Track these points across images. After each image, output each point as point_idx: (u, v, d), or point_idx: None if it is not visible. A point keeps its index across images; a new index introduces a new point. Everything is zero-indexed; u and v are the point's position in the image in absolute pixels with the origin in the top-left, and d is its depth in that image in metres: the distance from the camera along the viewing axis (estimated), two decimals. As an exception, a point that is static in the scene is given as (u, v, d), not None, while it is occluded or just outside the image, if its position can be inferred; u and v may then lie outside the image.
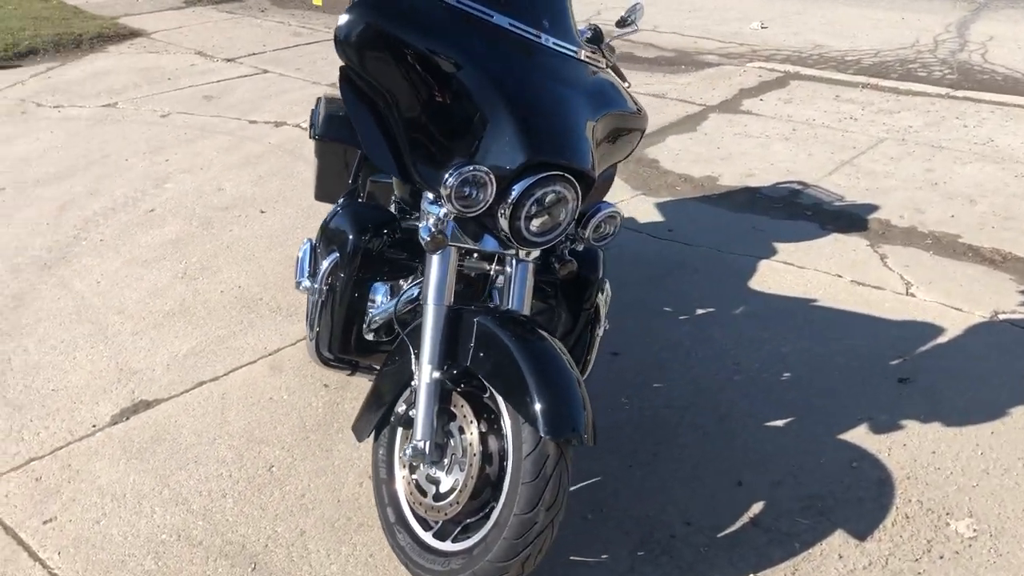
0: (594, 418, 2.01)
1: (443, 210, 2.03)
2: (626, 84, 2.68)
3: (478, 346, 2.08)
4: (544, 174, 2.04)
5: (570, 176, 2.08)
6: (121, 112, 6.06)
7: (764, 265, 3.89)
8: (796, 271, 3.84)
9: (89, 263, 3.93)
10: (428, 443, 2.09)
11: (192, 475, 2.62)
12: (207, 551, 2.34)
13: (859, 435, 2.77)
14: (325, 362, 2.44)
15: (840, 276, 3.80)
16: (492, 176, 2.00)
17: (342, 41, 2.02)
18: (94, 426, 2.85)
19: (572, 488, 2.41)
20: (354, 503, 2.50)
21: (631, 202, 4.61)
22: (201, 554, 2.33)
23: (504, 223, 2.06)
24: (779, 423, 2.83)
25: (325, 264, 2.32)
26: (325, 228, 2.37)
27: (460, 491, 2.10)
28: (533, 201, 2.06)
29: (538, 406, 1.93)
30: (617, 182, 4.72)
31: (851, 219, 4.39)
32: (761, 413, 2.87)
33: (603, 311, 2.48)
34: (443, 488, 2.15)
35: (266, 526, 2.42)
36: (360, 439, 2.35)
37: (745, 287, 3.70)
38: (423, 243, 2.06)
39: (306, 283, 2.38)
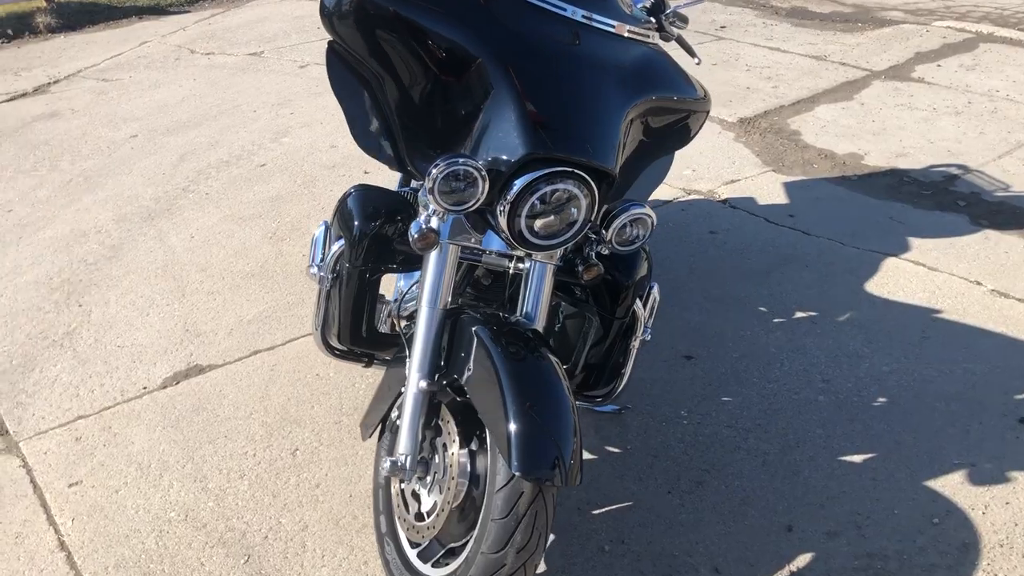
0: (580, 457, 1.75)
1: (433, 205, 1.82)
2: (695, 60, 2.35)
3: (472, 358, 1.86)
4: (548, 170, 1.77)
5: (583, 173, 1.80)
6: (264, 61, 6.16)
7: (889, 264, 3.42)
8: (926, 273, 3.35)
9: (189, 216, 3.99)
10: (408, 458, 1.91)
11: (219, 451, 2.57)
12: (208, 536, 2.28)
13: (951, 484, 2.36)
14: (333, 353, 2.30)
15: (979, 283, 3.28)
16: (484, 171, 1.76)
17: (329, 12, 1.83)
18: (144, 388, 2.87)
19: (599, 510, 2.21)
20: (364, 501, 2.37)
21: (757, 179, 4.19)
22: (201, 538, 2.28)
23: (503, 221, 1.81)
24: (855, 459, 2.45)
25: (333, 249, 2.17)
26: (337, 210, 2.21)
27: (438, 514, 1.92)
28: (536, 199, 1.79)
29: (513, 438, 1.70)
30: (745, 155, 4.33)
31: (1012, 214, 3.80)
32: (837, 445, 2.50)
33: (643, 319, 2.19)
34: (424, 507, 1.98)
35: (272, 515, 2.34)
36: (364, 437, 2.20)
37: (859, 290, 3.26)
38: (411, 240, 1.85)
39: (314, 269, 2.23)
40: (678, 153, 2.30)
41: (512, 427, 1.70)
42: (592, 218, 1.89)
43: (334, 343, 2.28)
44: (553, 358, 1.87)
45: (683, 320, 3.09)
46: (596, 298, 2.18)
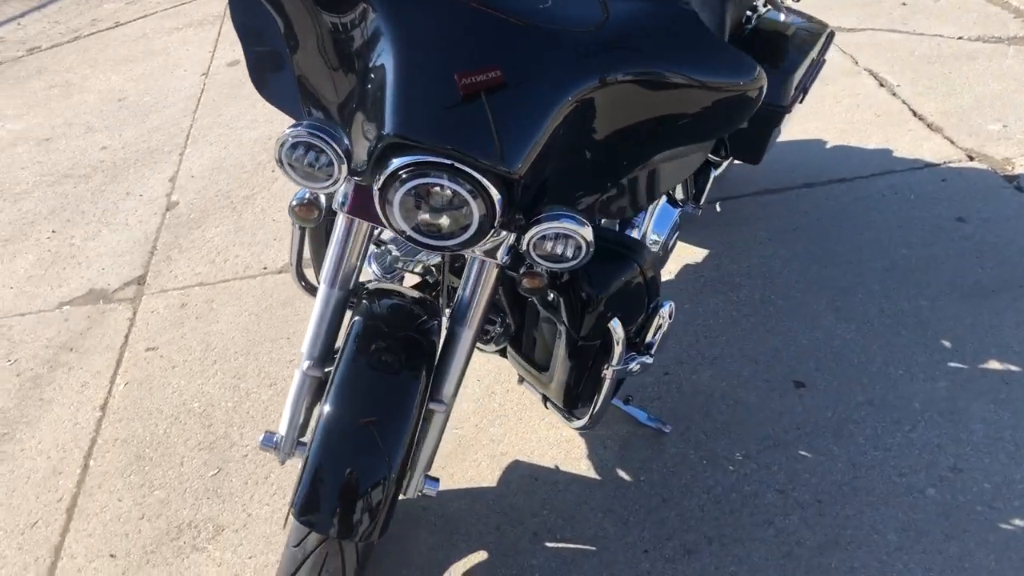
0: (384, 512, 1.47)
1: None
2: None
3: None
4: (416, 159, 1.39)
5: (471, 169, 1.39)
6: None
7: None
8: None
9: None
10: (283, 439, 1.74)
11: (272, 352, 2.61)
12: (204, 437, 2.35)
13: None
14: (309, 290, 2.15)
15: None
16: (338, 147, 1.45)
17: None
18: (264, 268, 2.98)
19: (554, 544, 1.95)
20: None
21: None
22: (198, 437, 2.35)
23: (377, 210, 1.49)
24: (911, 595, 1.79)
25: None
26: None
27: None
28: (405, 192, 1.43)
29: (303, 473, 1.48)
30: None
31: None
32: (900, 565, 1.84)
33: (620, 344, 1.74)
34: None
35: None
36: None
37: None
38: (288, 209, 1.62)
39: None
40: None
41: (308, 461, 1.46)
42: (500, 222, 1.47)
43: (310, 280, 2.12)
44: (415, 383, 1.56)
45: (829, 334, 2.43)
46: (568, 308, 1.76)
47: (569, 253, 1.49)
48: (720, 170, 2.71)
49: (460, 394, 1.71)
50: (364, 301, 1.68)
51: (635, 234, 2.21)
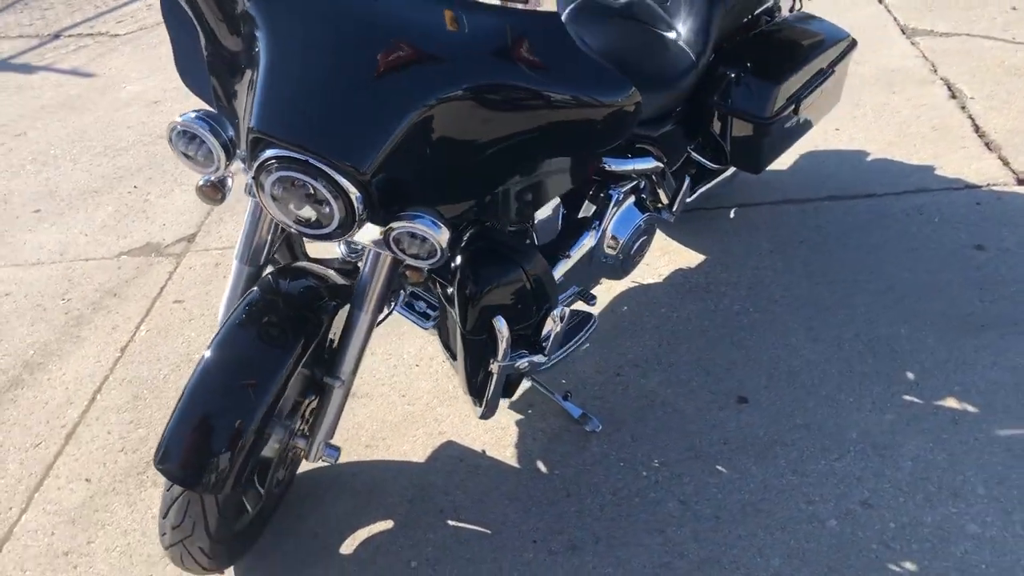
0: (234, 469, 1.62)
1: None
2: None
3: None
4: (279, 153, 1.52)
5: (323, 165, 1.51)
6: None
7: None
8: None
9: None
10: None
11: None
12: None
13: None
14: None
15: None
16: (216, 138, 1.62)
17: None
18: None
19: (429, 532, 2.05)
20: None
21: None
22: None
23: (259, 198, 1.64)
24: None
25: None
26: None
27: None
28: (272, 183, 1.57)
29: (169, 424, 1.65)
30: None
31: None
32: (769, 591, 1.84)
33: (506, 342, 1.83)
34: None
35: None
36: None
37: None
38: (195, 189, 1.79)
39: None
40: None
41: (173, 413, 1.65)
42: (361, 217, 1.58)
43: None
44: (286, 355, 1.70)
45: (793, 352, 2.39)
46: (458, 303, 1.86)
47: (423, 253, 1.58)
48: (720, 179, 2.69)
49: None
50: (268, 276, 1.84)
51: (591, 236, 2.25)
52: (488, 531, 2.05)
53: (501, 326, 1.82)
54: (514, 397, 2.09)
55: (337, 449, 1.94)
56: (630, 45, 2.35)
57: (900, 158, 3.11)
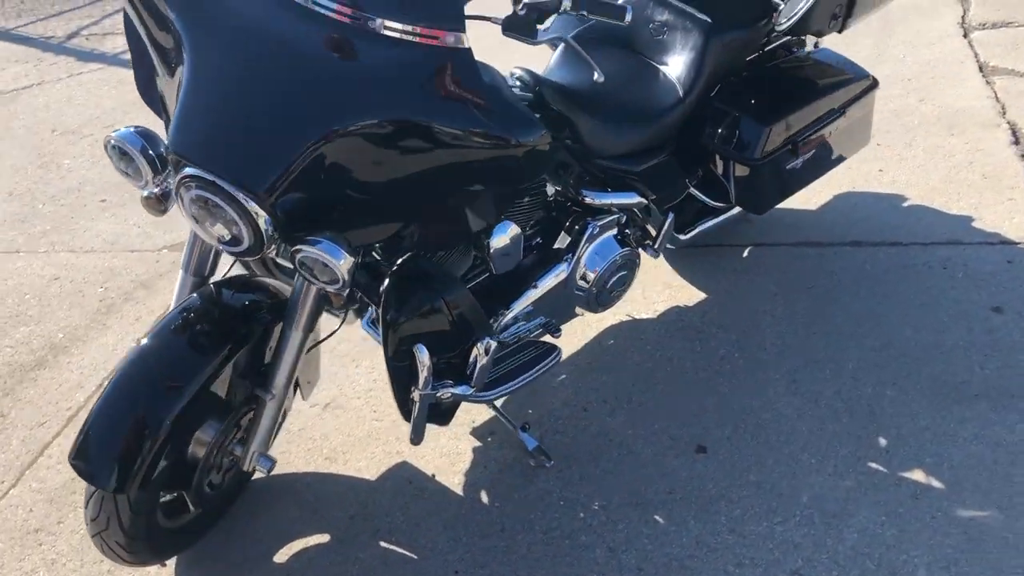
0: (144, 468, 1.69)
1: None
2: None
3: None
4: (191, 172, 1.58)
5: (228, 187, 1.56)
6: None
7: None
8: None
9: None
10: None
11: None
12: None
13: None
14: None
15: None
16: (143, 154, 1.70)
17: None
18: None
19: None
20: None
21: None
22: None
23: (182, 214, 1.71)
24: None
25: None
26: None
27: None
28: (189, 201, 1.64)
29: (86, 425, 1.74)
30: None
31: None
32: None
33: (427, 370, 1.83)
34: None
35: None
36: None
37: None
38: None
39: None
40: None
41: (90, 412, 1.73)
42: (269, 238, 1.62)
43: None
44: (204, 362, 1.77)
45: (766, 405, 2.30)
46: (382, 328, 1.88)
47: (325, 278, 1.61)
48: (725, 217, 2.61)
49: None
50: (211, 285, 1.91)
51: (563, 267, 2.22)
52: (415, 556, 2.06)
53: (421, 354, 1.83)
54: (447, 425, 2.08)
55: (271, 460, 1.99)
56: (618, 75, 2.31)
57: (939, 206, 2.93)
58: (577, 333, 2.63)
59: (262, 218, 1.53)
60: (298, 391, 2.17)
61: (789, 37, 2.48)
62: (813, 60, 2.54)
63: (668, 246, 2.53)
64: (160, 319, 1.82)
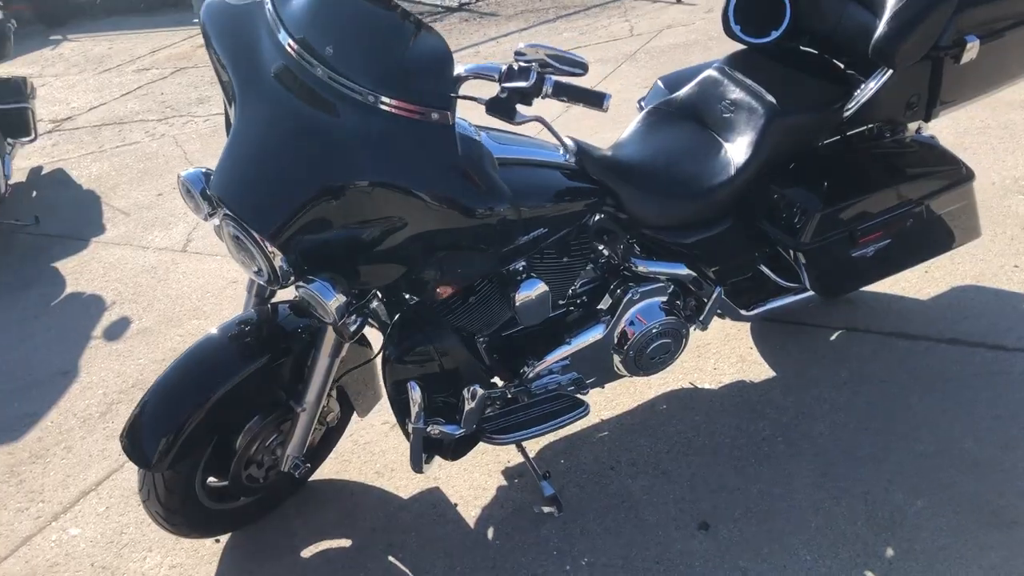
0: (175, 449, 2.01)
1: None
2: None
3: None
4: (228, 211, 1.91)
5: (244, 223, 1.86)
6: None
7: None
8: None
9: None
10: None
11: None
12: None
13: None
14: None
15: None
16: (199, 192, 2.03)
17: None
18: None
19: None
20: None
21: None
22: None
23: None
24: None
25: None
26: None
27: None
28: (227, 232, 1.96)
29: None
30: None
31: None
32: None
33: (414, 403, 2.04)
34: None
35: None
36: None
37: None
38: None
39: None
40: None
41: (142, 397, 2.10)
42: (285, 272, 1.91)
43: None
44: (237, 369, 2.07)
45: (785, 494, 2.27)
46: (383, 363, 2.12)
47: (319, 312, 1.86)
48: (797, 298, 2.57)
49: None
50: (271, 304, 2.22)
51: (600, 328, 2.32)
52: None
53: (414, 391, 2.03)
54: (453, 462, 2.24)
55: (303, 463, 2.26)
56: (676, 149, 2.37)
57: (1067, 311, 2.68)
58: (635, 393, 2.70)
59: (278, 257, 1.80)
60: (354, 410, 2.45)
61: (875, 124, 2.42)
62: (900, 148, 2.44)
63: (745, 320, 2.53)
64: (221, 324, 2.15)
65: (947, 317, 2.77)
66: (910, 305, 2.85)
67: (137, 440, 2.05)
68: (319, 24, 1.83)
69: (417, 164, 1.76)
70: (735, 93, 2.41)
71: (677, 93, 2.56)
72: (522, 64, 1.77)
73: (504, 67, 1.80)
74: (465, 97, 1.82)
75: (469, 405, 2.07)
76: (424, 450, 2.16)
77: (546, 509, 2.33)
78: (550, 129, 2.03)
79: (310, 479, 2.57)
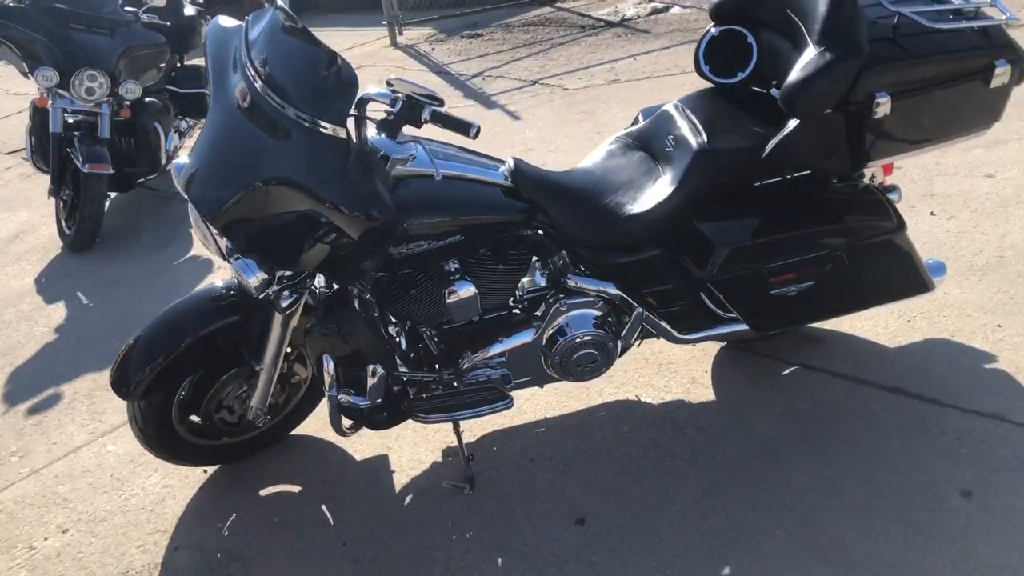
0: (147, 379, 2.49)
1: None
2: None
3: None
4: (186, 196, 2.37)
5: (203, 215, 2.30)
6: None
7: None
8: None
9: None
10: None
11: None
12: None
13: None
14: None
15: None
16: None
17: None
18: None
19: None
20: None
21: None
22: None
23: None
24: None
25: None
26: None
27: None
28: (194, 217, 2.42)
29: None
30: None
31: None
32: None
33: (327, 374, 2.42)
34: None
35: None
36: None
37: None
38: None
39: None
40: None
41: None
42: (229, 250, 2.35)
43: None
44: (208, 325, 2.53)
45: (668, 505, 2.44)
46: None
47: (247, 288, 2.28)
48: (735, 328, 2.69)
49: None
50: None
51: (531, 332, 2.59)
52: (331, 522, 2.61)
53: (327, 364, 2.39)
54: (377, 432, 2.59)
55: (264, 415, 2.69)
56: (619, 176, 2.57)
57: (1024, 378, 2.63)
58: (583, 399, 2.92)
59: (223, 239, 2.23)
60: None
61: (809, 169, 2.50)
62: (836, 194, 2.51)
63: (681, 343, 2.68)
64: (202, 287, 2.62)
65: (902, 366, 2.78)
66: (875, 351, 2.87)
67: (118, 374, 2.54)
68: (267, 52, 2.22)
69: (314, 167, 2.11)
70: (678, 130, 2.57)
71: (639, 125, 2.76)
72: (408, 96, 2.12)
73: (393, 96, 2.14)
74: (362, 117, 2.16)
75: (372, 381, 2.41)
76: (352, 417, 2.54)
77: (459, 485, 2.62)
78: (426, 150, 2.33)
79: (292, 432, 2.99)
